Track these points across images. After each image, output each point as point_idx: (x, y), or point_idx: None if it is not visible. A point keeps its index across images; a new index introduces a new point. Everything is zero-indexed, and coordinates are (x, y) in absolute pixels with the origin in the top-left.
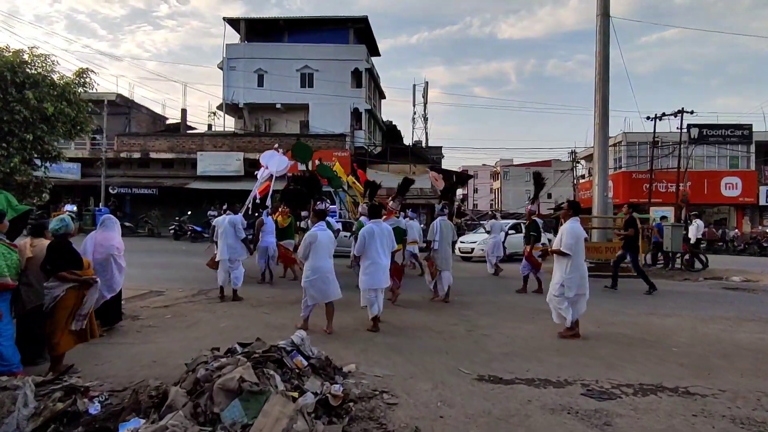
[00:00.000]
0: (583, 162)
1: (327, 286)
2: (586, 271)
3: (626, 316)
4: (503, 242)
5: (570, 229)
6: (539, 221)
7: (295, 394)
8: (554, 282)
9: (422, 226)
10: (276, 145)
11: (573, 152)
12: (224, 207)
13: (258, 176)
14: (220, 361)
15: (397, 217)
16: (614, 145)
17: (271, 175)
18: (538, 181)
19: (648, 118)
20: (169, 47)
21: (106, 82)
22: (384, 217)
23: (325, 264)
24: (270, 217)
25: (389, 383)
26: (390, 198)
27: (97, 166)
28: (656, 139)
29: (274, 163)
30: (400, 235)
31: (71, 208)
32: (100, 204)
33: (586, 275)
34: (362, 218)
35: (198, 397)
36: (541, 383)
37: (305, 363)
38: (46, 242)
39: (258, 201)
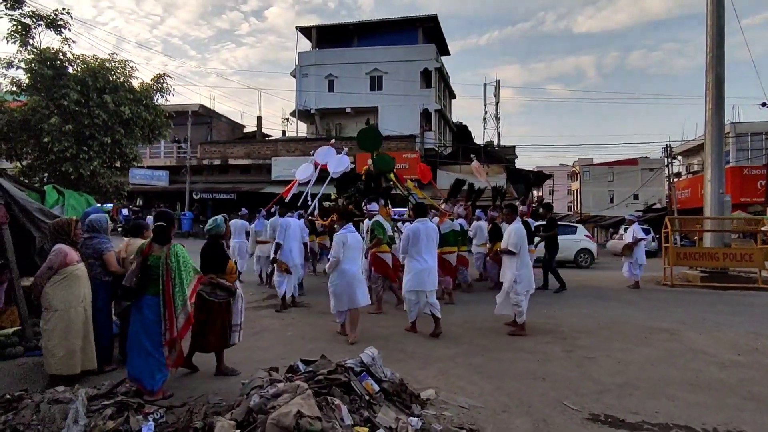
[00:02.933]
0: (680, 158)
1: (354, 291)
2: (531, 268)
3: None
4: None
5: (515, 230)
6: (531, 222)
7: (365, 430)
8: (507, 280)
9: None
10: (332, 140)
11: (668, 147)
12: (261, 210)
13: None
14: (277, 386)
15: (452, 220)
16: None
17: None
18: (530, 182)
19: (763, 104)
20: (250, 62)
21: (193, 95)
22: (440, 219)
23: (352, 267)
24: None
25: (477, 418)
26: (443, 201)
27: (183, 173)
28: None
29: (333, 163)
30: (456, 237)
31: None
32: (185, 209)
33: (532, 273)
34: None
35: None
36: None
37: (376, 388)
38: (140, 242)
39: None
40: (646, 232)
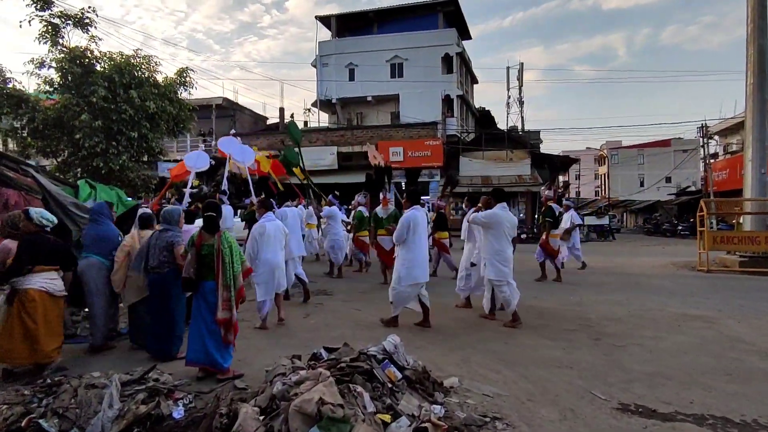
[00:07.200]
0: (716, 137)
1: (275, 280)
2: (509, 258)
3: None
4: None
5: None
6: (555, 207)
7: (387, 417)
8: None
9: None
10: (232, 131)
11: (704, 126)
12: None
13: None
14: (299, 373)
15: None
16: None
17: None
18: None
19: None
20: (272, 54)
21: (217, 88)
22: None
23: (275, 257)
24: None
25: (501, 406)
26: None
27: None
28: None
29: (237, 151)
30: (396, 221)
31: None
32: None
33: (509, 262)
34: (360, 208)
35: (272, 420)
36: (718, 423)
37: (399, 375)
38: (150, 233)
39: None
40: (582, 219)
